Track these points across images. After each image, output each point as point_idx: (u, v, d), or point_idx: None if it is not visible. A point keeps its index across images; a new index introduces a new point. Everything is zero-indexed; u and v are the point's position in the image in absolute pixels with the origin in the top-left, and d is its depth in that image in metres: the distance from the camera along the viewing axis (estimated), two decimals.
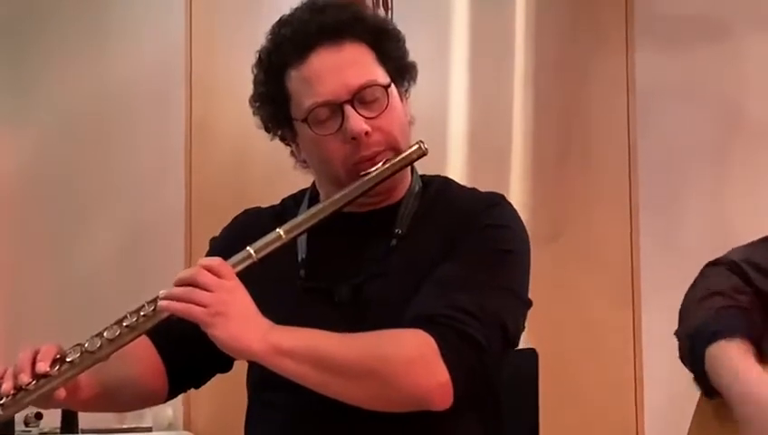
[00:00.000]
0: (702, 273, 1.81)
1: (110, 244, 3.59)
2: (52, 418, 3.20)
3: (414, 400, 1.61)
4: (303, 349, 1.59)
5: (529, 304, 1.75)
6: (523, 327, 1.75)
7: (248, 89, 3.32)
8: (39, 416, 3.19)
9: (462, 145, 3.38)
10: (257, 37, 3.33)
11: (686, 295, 1.79)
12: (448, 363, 1.60)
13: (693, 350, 1.68)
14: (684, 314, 1.77)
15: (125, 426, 3.28)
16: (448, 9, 3.46)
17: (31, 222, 3.63)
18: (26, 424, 3.24)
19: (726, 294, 1.73)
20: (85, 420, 3.23)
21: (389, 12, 2.99)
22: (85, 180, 3.60)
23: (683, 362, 1.73)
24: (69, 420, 3.18)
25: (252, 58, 3.42)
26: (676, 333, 1.78)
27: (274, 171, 3.30)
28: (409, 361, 1.60)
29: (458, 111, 3.40)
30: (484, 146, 3.39)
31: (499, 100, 3.42)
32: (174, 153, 3.51)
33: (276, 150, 3.21)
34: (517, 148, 3.40)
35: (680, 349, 1.74)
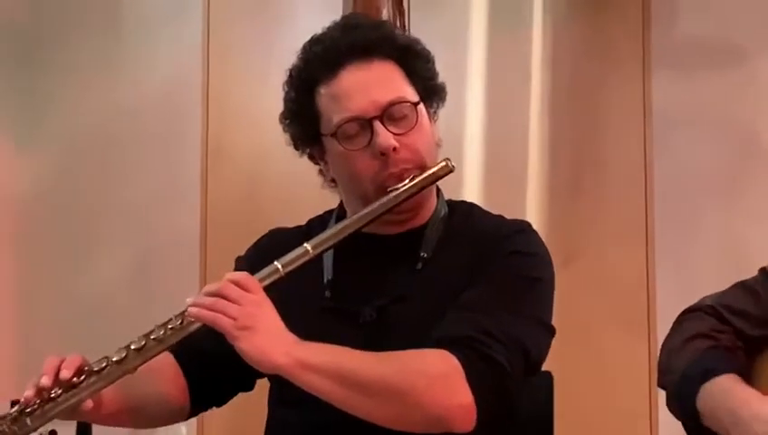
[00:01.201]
0: (678, 321, 1.83)
1: (125, 265, 3.60)
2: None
3: (436, 420, 1.61)
4: (328, 365, 1.59)
5: (553, 331, 1.76)
6: (546, 354, 1.76)
7: (264, 110, 3.35)
8: (53, 433, 3.19)
9: (477, 169, 3.39)
10: (274, 58, 3.38)
11: (664, 346, 1.81)
12: (472, 385, 1.60)
13: (683, 391, 1.68)
14: (665, 362, 1.78)
15: None
16: (465, 34, 3.48)
17: (44, 243, 3.64)
18: None
19: (709, 336, 1.75)
20: None
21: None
22: (99, 201, 3.61)
23: (671, 409, 1.74)
24: None
25: (268, 79, 3.45)
26: (660, 384, 1.78)
27: (290, 192, 3.32)
28: (433, 380, 1.60)
29: (474, 135, 3.41)
30: (500, 170, 3.40)
31: (515, 124, 3.43)
32: (189, 174, 3.52)
33: (292, 172, 3.24)
34: (533, 172, 3.40)
35: (668, 396, 1.75)
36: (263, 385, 1.88)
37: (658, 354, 1.81)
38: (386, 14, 2.99)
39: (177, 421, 1.89)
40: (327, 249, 1.72)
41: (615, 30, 3.42)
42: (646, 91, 3.37)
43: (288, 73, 1.82)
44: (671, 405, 1.74)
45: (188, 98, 3.54)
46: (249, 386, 1.89)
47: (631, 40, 3.40)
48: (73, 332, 3.54)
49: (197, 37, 3.54)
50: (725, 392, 1.64)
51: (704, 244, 3.30)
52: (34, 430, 1.59)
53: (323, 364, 1.59)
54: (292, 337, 1.61)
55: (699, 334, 1.75)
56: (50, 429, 3.15)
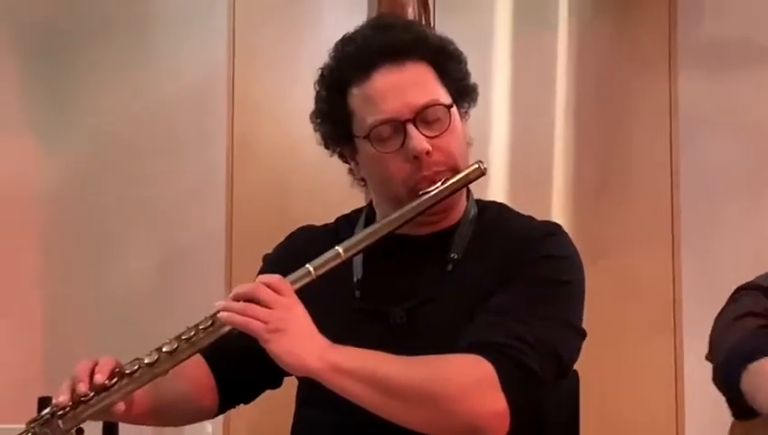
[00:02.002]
0: (731, 298, 1.83)
1: (151, 263, 3.61)
2: (94, 433, 3.21)
3: (469, 427, 1.61)
4: (361, 369, 1.59)
5: (584, 334, 1.75)
6: (577, 357, 1.76)
7: (290, 107, 3.36)
8: (80, 431, 3.19)
9: (503, 171, 3.38)
10: (299, 56, 3.39)
11: (717, 321, 1.81)
12: (506, 393, 1.60)
13: (729, 369, 1.68)
14: (716, 338, 1.79)
15: None
16: (490, 35, 3.47)
17: (70, 240, 3.66)
18: None
19: (760, 315, 1.75)
20: None
21: None
22: (124, 199, 3.62)
23: (716, 384, 1.74)
24: None
25: (294, 76, 3.45)
26: (709, 358, 1.78)
27: (316, 190, 3.33)
28: (466, 387, 1.60)
29: (499, 138, 3.41)
30: (525, 172, 3.40)
31: (540, 126, 3.42)
32: (215, 172, 3.53)
33: (318, 169, 3.25)
34: (558, 174, 3.40)
35: (714, 372, 1.75)
36: (289, 383, 1.88)
37: (711, 329, 1.81)
38: (411, 12, 2.98)
39: (205, 419, 1.90)
40: (358, 252, 1.71)
41: (641, 30, 3.41)
42: (672, 91, 3.36)
43: (319, 72, 1.81)
44: (717, 382, 1.74)
45: (215, 96, 3.55)
46: (277, 383, 1.89)
47: (657, 40, 3.39)
48: (100, 329, 3.55)
49: (223, 34, 3.55)
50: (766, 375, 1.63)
51: (730, 243, 3.29)
52: (66, 432, 1.59)
53: (356, 369, 1.59)
54: (324, 341, 1.61)
55: (751, 313, 1.75)
56: (77, 427, 3.17)
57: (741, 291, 1.83)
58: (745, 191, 3.31)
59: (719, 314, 1.82)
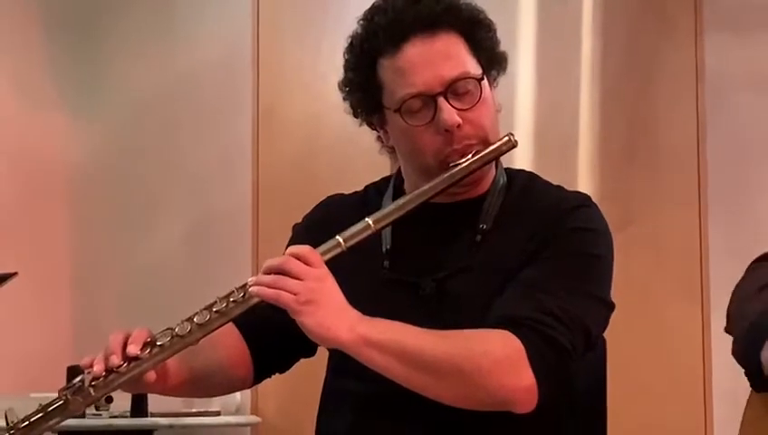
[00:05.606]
0: (749, 269, 1.82)
1: (178, 233, 3.63)
2: (122, 402, 3.24)
3: (497, 400, 1.62)
4: (391, 342, 1.60)
5: (612, 307, 1.75)
6: (604, 330, 1.76)
7: (316, 76, 3.36)
8: (109, 400, 3.22)
9: (529, 137, 3.38)
10: (324, 26, 3.39)
11: (735, 293, 1.80)
12: (534, 367, 1.61)
13: (750, 341, 1.67)
14: (736, 310, 1.77)
15: (194, 410, 3.32)
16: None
17: (99, 212, 3.69)
18: (97, 408, 3.28)
19: None
20: (154, 404, 3.27)
21: None
22: (153, 170, 3.65)
23: (735, 357, 1.73)
24: (138, 404, 3.22)
25: (318, 46, 3.44)
26: (728, 330, 1.78)
27: (342, 159, 3.33)
28: (496, 362, 1.61)
29: (525, 103, 3.40)
30: (551, 138, 3.39)
31: (566, 91, 3.41)
32: (241, 142, 3.54)
33: (344, 139, 3.25)
34: (584, 139, 3.39)
35: (734, 344, 1.74)
36: (318, 351, 1.89)
37: (729, 300, 1.80)
38: None
39: (241, 389, 1.91)
40: (388, 224, 1.71)
41: None
42: (698, 55, 3.34)
43: (348, 41, 1.79)
44: (736, 352, 1.73)
45: (241, 66, 3.56)
46: (312, 352, 1.88)
47: (683, 2, 3.37)
48: (128, 300, 3.59)
49: (249, 5, 3.55)
50: None
51: (757, 207, 3.28)
52: (97, 399, 1.61)
53: (387, 342, 1.59)
54: (355, 313, 1.61)
55: None
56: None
57: (759, 262, 1.81)
58: None
59: (737, 286, 1.80)
